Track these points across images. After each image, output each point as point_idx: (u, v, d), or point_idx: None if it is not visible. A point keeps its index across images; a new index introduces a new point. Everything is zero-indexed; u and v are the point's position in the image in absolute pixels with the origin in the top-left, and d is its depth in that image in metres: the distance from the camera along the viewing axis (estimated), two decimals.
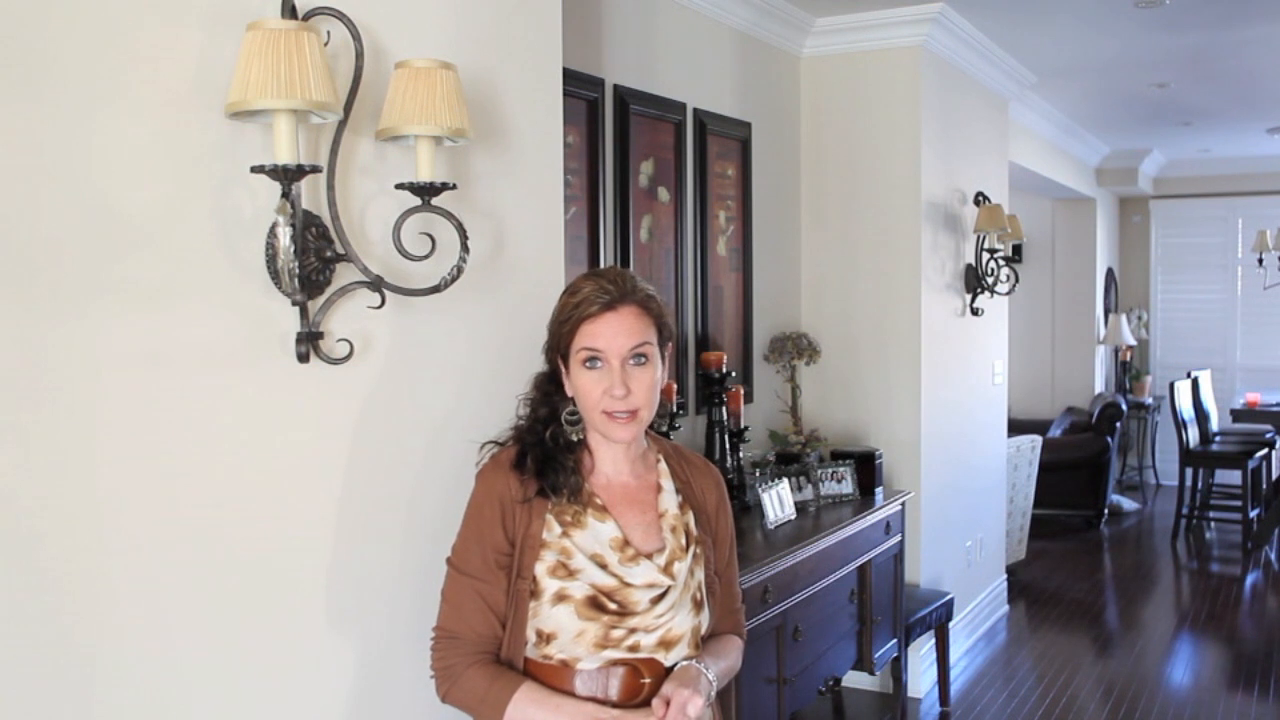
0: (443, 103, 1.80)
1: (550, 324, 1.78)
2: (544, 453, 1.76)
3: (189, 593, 1.66)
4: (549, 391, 1.81)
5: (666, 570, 1.76)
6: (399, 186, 1.90)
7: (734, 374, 3.95)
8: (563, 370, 1.77)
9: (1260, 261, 8.78)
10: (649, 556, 1.76)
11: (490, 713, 1.70)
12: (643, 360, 1.72)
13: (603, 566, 1.73)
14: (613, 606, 1.71)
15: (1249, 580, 6.84)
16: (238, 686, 1.73)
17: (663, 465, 1.87)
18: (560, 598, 1.70)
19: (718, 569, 1.89)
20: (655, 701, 1.67)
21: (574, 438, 1.79)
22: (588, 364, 1.71)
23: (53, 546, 1.50)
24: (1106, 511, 8.23)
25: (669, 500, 1.83)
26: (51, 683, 1.50)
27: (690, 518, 1.84)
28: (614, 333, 1.70)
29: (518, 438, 1.81)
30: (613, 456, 1.81)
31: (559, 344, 1.76)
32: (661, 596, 1.74)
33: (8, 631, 1.46)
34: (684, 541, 1.80)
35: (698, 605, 1.79)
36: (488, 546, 1.74)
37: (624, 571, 1.73)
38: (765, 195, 4.57)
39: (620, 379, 1.69)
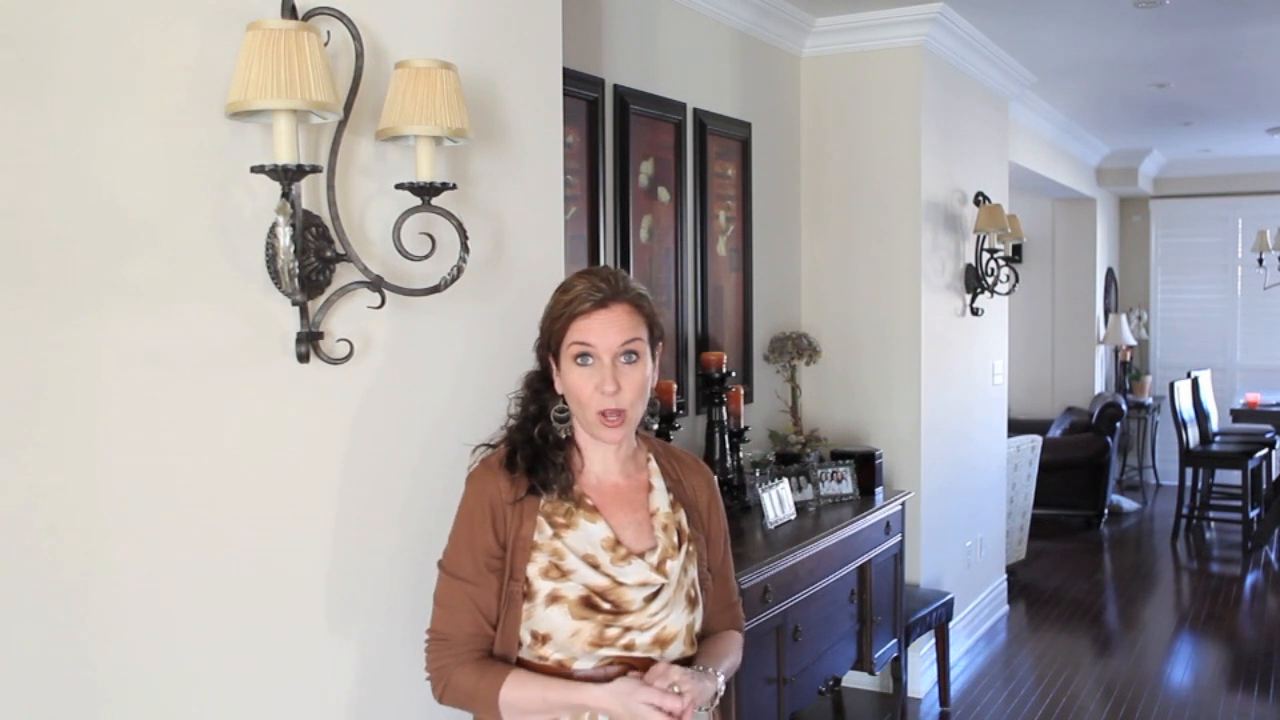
0: (443, 103, 1.80)
1: (543, 321, 1.79)
2: (533, 450, 1.77)
3: (191, 591, 1.67)
4: (539, 389, 1.82)
5: (659, 569, 1.76)
6: (399, 186, 1.90)
7: (734, 374, 3.95)
8: (553, 367, 1.78)
9: (1260, 261, 8.78)
10: (641, 555, 1.76)
11: (484, 705, 1.71)
12: (634, 358, 1.73)
13: (595, 567, 1.73)
14: (606, 606, 1.72)
15: (1249, 580, 6.84)
16: (239, 685, 1.74)
17: (653, 464, 1.88)
18: (554, 599, 1.71)
19: (712, 565, 1.90)
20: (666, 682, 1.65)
21: (562, 435, 1.80)
22: (579, 360, 1.73)
23: (55, 545, 1.50)
24: (1106, 511, 8.23)
25: (660, 499, 1.84)
26: (54, 682, 1.50)
27: (682, 516, 1.85)
28: (605, 328, 1.71)
29: (508, 438, 1.82)
30: (602, 456, 1.82)
31: (550, 340, 1.77)
32: (655, 595, 1.75)
33: (10, 631, 1.46)
34: (676, 540, 1.81)
35: (691, 603, 1.80)
36: (478, 550, 1.74)
37: (616, 571, 1.74)
38: (765, 195, 4.57)
39: (611, 375, 1.70)
